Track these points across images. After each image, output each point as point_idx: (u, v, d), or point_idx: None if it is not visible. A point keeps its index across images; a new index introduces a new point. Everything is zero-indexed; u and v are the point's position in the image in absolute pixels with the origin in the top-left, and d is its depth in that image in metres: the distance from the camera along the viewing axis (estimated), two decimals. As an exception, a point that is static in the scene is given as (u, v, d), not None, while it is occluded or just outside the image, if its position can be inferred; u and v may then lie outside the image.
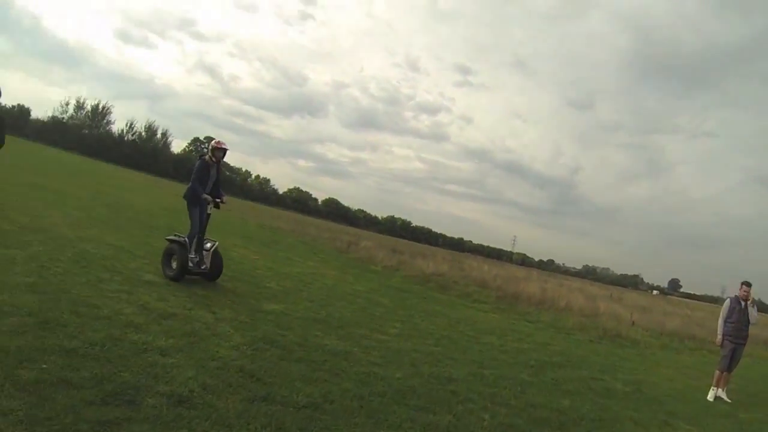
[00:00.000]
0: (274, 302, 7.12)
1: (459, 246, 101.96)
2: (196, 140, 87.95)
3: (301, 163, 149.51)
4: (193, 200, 6.95)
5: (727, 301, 7.78)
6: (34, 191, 13.06)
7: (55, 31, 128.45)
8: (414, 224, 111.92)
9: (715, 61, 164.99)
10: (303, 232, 24.90)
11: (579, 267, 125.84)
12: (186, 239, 6.87)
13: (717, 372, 7.51)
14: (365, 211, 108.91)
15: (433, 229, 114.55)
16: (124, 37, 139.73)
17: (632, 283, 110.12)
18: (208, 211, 7.06)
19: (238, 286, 7.58)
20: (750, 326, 7.61)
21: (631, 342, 11.59)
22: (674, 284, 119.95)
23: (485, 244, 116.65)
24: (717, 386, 7.44)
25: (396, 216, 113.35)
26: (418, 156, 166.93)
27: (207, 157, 7.10)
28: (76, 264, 6.32)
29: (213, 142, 7.22)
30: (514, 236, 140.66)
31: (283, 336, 5.38)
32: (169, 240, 7.01)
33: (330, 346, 5.43)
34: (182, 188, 7.45)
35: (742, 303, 7.56)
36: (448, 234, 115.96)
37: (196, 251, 6.97)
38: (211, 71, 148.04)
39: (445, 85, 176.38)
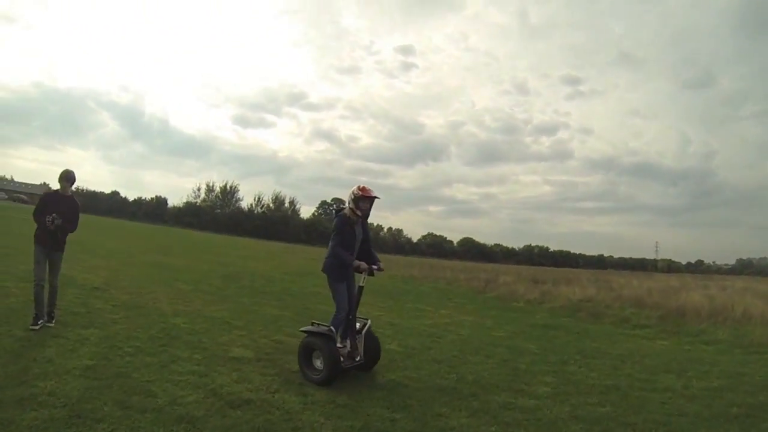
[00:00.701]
0: (391, 370, 6.00)
1: (600, 263, 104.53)
2: (323, 203, 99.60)
3: (432, 208, 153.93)
4: (337, 273, 5.58)
5: None
6: (148, 268, 14.25)
7: (181, 128, 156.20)
8: (552, 249, 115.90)
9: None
10: (437, 277, 24.08)
11: (732, 263, 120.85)
12: (331, 327, 5.45)
13: None
14: (501, 245, 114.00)
15: (572, 251, 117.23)
16: (242, 121, 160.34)
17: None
18: (361, 283, 5.64)
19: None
20: None
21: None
22: None
23: (626, 256, 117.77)
24: None
25: (533, 244, 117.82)
26: (544, 180, 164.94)
27: (347, 210, 5.68)
28: (153, 342, 6.04)
29: (355, 188, 5.65)
30: (656, 242, 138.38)
31: (393, 421, 4.20)
32: (305, 332, 5.51)
33: (457, 429, 4.19)
34: (313, 251, 6.68)
35: None
36: (587, 253, 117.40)
37: (345, 338, 5.63)
38: (329, 136, 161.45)
39: (557, 101, 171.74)
